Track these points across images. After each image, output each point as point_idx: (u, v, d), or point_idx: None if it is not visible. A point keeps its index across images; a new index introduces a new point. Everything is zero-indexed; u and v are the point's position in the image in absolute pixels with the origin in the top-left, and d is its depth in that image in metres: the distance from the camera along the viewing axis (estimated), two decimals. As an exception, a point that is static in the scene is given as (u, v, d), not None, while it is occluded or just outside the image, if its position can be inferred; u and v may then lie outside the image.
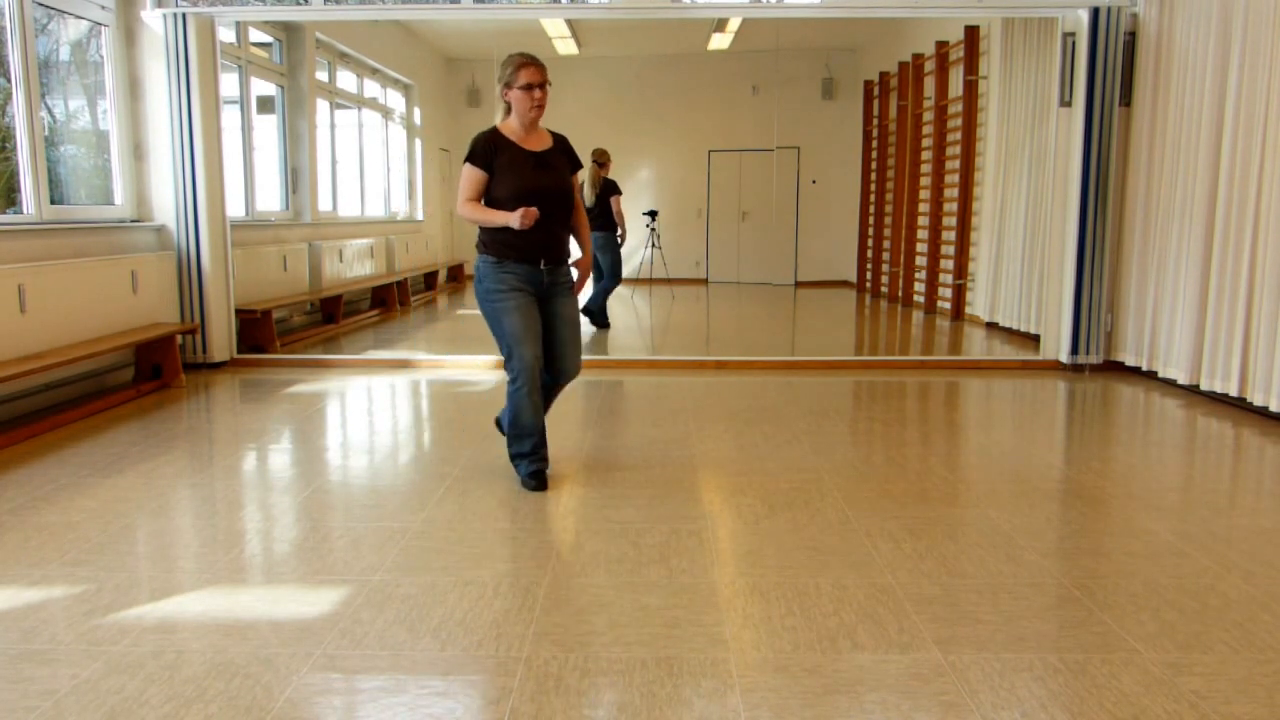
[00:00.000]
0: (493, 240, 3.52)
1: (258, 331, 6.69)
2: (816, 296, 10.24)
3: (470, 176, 3.51)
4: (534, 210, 3.39)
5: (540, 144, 3.58)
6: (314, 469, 3.96)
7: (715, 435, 4.45)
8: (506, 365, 3.56)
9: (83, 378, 5.31)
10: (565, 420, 4.84)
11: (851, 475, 3.81)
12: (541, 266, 3.55)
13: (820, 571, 2.80)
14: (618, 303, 9.73)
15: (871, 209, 10.47)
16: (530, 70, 3.47)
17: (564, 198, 3.59)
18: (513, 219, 3.38)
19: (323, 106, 8.85)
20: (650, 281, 9.18)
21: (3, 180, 5.28)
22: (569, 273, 3.69)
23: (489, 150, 3.50)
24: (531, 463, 3.64)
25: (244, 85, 7.48)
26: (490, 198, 3.51)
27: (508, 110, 3.56)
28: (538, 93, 3.48)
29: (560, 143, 3.66)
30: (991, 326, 8.13)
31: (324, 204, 8.81)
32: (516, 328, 3.49)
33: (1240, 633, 2.41)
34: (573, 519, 3.29)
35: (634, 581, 2.72)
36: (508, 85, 3.50)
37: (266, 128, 8.16)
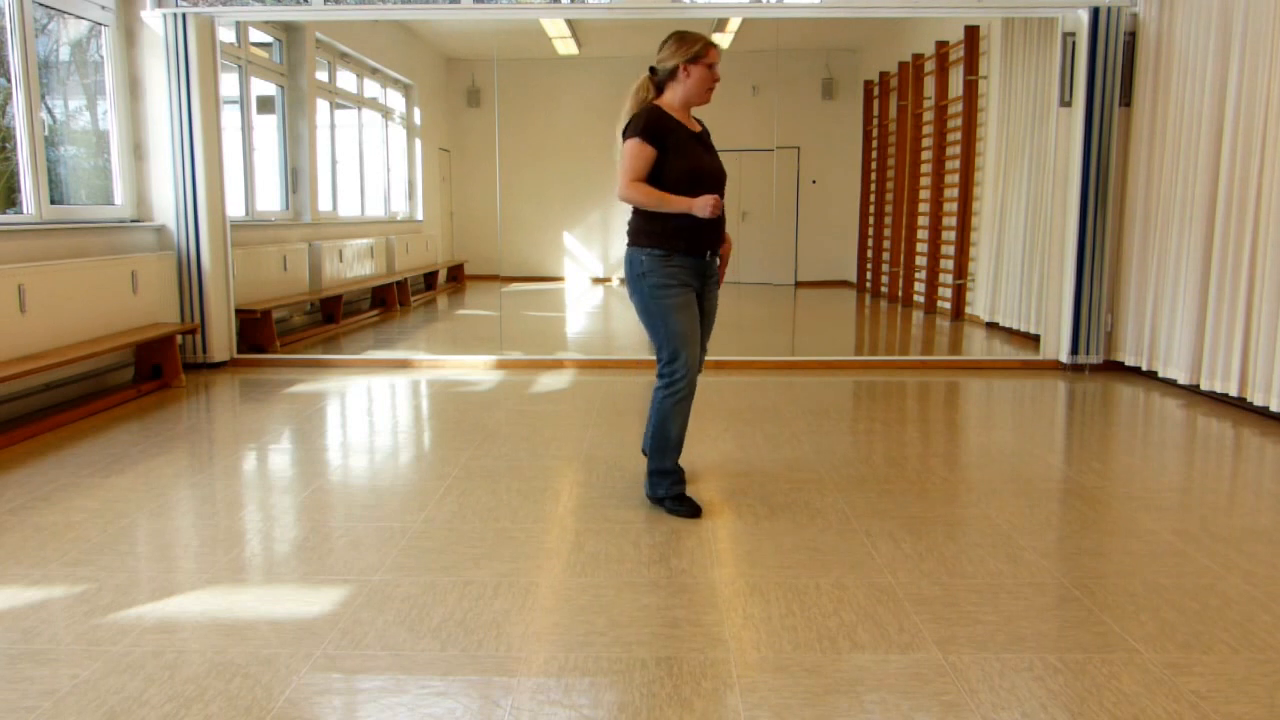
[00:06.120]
0: (663, 230, 3.17)
1: (258, 331, 6.69)
2: (816, 296, 10.24)
3: (640, 154, 3.11)
4: (716, 198, 3.08)
5: (695, 127, 3.32)
6: (314, 469, 3.96)
7: (715, 435, 4.45)
8: (667, 368, 3.23)
9: (83, 378, 5.31)
10: (565, 420, 4.84)
11: (851, 475, 3.80)
12: (707, 258, 3.27)
13: (820, 571, 2.80)
14: (617, 301, 9.73)
15: (871, 209, 10.46)
16: (717, 51, 3.23)
17: (723, 183, 3.31)
18: (697, 205, 3.06)
19: (323, 106, 8.85)
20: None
21: (3, 180, 5.28)
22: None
23: (660, 127, 3.14)
24: (677, 483, 3.33)
25: (244, 85, 7.48)
26: (657, 181, 3.15)
27: (659, 91, 3.26)
28: (717, 72, 3.23)
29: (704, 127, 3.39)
30: (991, 326, 8.13)
31: (324, 204, 8.81)
32: (684, 327, 3.18)
33: (1240, 633, 2.41)
34: (573, 519, 3.29)
35: (634, 581, 2.72)
36: (693, 60, 3.17)
37: (266, 128, 8.16)
